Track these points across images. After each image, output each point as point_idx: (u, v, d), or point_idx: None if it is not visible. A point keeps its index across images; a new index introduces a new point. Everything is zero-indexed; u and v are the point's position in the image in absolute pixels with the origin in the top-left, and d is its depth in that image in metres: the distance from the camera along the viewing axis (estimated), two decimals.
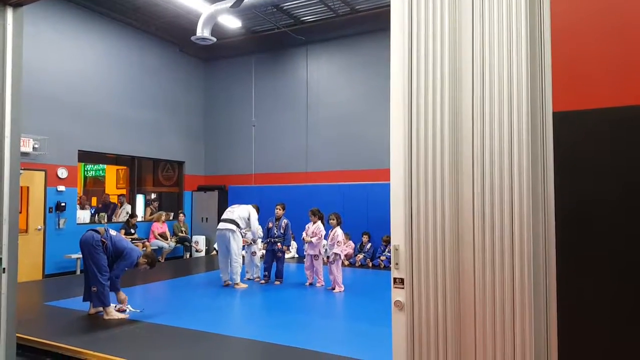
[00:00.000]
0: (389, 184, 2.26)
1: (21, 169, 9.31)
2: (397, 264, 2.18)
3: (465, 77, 2.10)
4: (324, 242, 8.14)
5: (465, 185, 2.07)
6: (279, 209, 8.45)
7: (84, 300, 6.15)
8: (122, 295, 6.17)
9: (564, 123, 1.87)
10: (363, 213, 11.35)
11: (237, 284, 7.97)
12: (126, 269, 6.19)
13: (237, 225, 8.02)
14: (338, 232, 7.87)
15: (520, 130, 1.95)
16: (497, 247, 1.98)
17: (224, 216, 8.25)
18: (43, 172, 9.98)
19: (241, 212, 8.22)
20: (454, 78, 2.11)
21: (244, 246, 8.65)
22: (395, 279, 2.18)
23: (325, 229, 8.13)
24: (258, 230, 8.77)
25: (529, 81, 1.96)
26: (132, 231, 11.33)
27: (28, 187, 9.73)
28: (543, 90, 1.96)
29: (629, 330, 1.77)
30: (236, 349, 4.86)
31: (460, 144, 2.09)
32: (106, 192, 14.39)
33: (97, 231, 6.04)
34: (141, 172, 14.01)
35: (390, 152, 2.23)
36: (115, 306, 6.13)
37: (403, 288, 2.15)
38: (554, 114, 1.91)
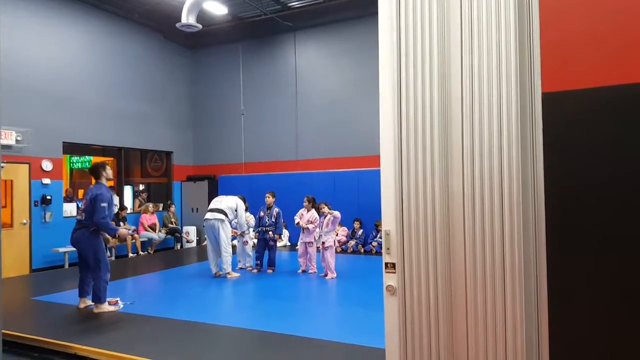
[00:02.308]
0: (379, 171, 2.23)
1: (3, 162, 9.25)
2: (388, 248, 2.16)
3: (454, 59, 2.06)
4: (317, 230, 8.13)
5: (455, 168, 2.04)
6: (269, 197, 8.41)
7: (80, 295, 6.09)
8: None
9: (553, 103, 1.85)
10: (354, 200, 11.36)
11: (229, 273, 7.94)
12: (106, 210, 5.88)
13: (226, 215, 7.97)
14: (331, 217, 7.92)
15: (509, 111, 1.93)
16: (487, 229, 1.97)
17: (211, 206, 8.18)
18: (27, 165, 9.81)
19: (229, 202, 8.17)
20: (443, 60, 2.07)
21: (233, 237, 8.61)
22: (386, 263, 2.15)
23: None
24: (249, 219, 8.73)
25: (518, 62, 1.93)
26: (122, 224, 11.21)
27: (12, 181, 9.57)
28: (532, 70, 1.93)
29: (621, 307, 1.77)
30: (229, 338, 4.84)
31: (449, 126, 2.06)
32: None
33: (84, 225, 5.91)
34: (129, 163, 13.85)
35: (380, 136, 2.19)
36: (106, 300, 6.08)
37: (394, 273, 2.13)
38: (543, 94, 1.88)
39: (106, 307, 5.89)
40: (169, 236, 12.38)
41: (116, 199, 12.22)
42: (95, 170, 6.04)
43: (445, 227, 2.05)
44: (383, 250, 2.19)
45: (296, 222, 8.19)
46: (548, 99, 1.85)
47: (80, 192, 13.63)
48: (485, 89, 1.97)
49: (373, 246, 10.59)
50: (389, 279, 2.13)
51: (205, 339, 4.71)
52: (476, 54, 2.00)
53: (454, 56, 2.06)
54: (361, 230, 11.15)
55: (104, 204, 5.81)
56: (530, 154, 1.91)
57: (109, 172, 6.12)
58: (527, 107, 1.91)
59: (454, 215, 2.04)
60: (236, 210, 8.14)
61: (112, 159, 13.58)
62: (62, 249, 9.84)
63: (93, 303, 5.90)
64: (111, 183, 13.86)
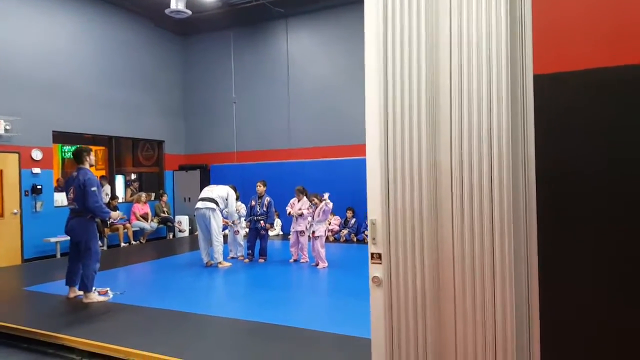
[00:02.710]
0: None
1: None
2: (374, 238, 2.10)
3: (442, 39, 1.98)
4: (309, 218, 8.07)
5: (443, 154, 1.97)
6: (260, 186, 8.34)
7: (67, 284, 6.02)
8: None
9: (545, 86, 1.77)
10: (347, 188, 11.27)
11: (220, 262, 7.89)
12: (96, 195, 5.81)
13: (217, 204, 7.89)
14: (304, 200, 7.90)
15: (499, 93, 1.85)
16: (476, 218, 1.90)
17: (202, 195, 8.10)
18: (16, 154, 9.66)
19: (220, 191, 8.09)
20: (431, 41, 1.98)
21: (225, 226, 8.55)
22: (372, 254, 2.09)
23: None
24: (240, 208, 8.66)
25: (509, 42, 1.85)
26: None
27: (1, 170, 9.43)
28: (523, 51, 1.85)
29: (611, 291, 1.72)
30: (219, 328, 4.79)
31: (437, 109, 1.98)
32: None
33: (79, 213, 5.80)
34: (120, 152, 13.71)
35: (365, 120, 2.12)
36: (95, 289, 6.01)
37: (381, 263, 2.07)
38: (535, 76, 1.81)
39: (95, 297, 5.83)
40: (161, 226, 12.30)
41: (108, 188, 12.12)
42: (79, 155, 5.92)
43: (433, 216, 1.99)
44: (369, 240, 2.12)
45: (287, 212, 8.14)
46: (540, 81, 1.78)
47: None
48: (475, 70, 1.89)
49: (366, 235, 10.54)
50: (375, 270, 2.07)
51: (195, 330, 4.65)
52: (465, 33, 1.91)
53: (442, 36, 1.98)
54: (354, 219, 11.11)
55: (94, 188, 5.72)
56: (521, 138, 1.84)
57: (92, 157, 6.01)
58: (517, 89, 1.83)
59: (442, 204, 1.97)
60: (227, 200, 8.07)
61: (103, 147, 13.44)
62: (53, 239, 9.75)
63: (82, 292, 5.83)
64: (97, 171, 13.76)
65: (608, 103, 1.68)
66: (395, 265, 2.03)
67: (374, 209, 2.08)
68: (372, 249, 2.09)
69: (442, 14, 1.96)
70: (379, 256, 2.07)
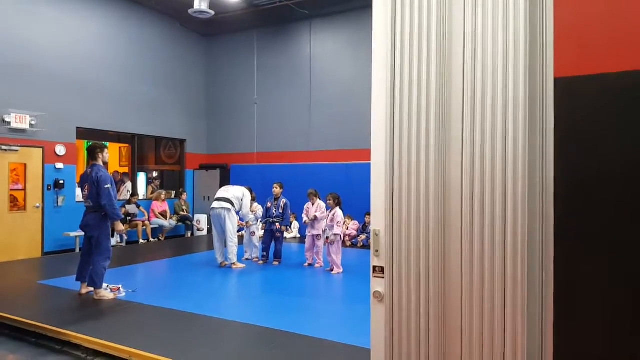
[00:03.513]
0: None
1: (18, 146, 9.28)
2: (377, 250, 1.95)
3: (455, 41, 1.83)
4: (324, 222, 7.94)
5: (453, 162, 1.82)
6: (277, 188, 8.24)
7: (77, 279, 6.04)
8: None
9: (567, 90, 1.60)
10: (366, 193, 11.02)
11: (234, 264, 7.82)
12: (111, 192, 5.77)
13: (232, 204, 7.83)
14: (338, 212, 7.65)
15: (516, 98, 1.69)
16: (487, 231, 1.74)
17: (218, 195, 8.05)
18: (41, 149, 9.83)
19: (236, 192, 8.03)
20: (443, 39, 1.83)
21: (240, 227, 8.49)
22: (374, 267, 1.95)
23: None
24: (257, 210, 8.59)
25: (528, 43, 1.68)
26: (136, 209, 11.20)
27: (25, 164, 9.60)
28: (544, 53, 1.69)
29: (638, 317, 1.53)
30: (227, 333, 4.70)
31: (448, 114, 1.83)
32: (110, 170, 14.25)
33: (95, 210, 5.81)
34: (143, 150, 13.84)
35: (372, 124, 1.98)
36: (107, 287, 6.02)
37: (383, 277, 1.93)
38: (555, 80, 1.64)
39: (106, 294, 5.82)
40: (180, 224, 12.35)
41: (129, 185, 12.24)
42: (93, 152, 5.91)
43: (441, 228, 1.83)
44: (371, 252, 1.98)
45: (304, 220, 8.01)
46: (561, 85, 1.61)
47: None
48: (490, 72, 1.74)
49: None
50: (377, 285, 1.93)
51: (202, 333, 4.57)
52: (480, 31, 1.76)
53: (455, 37, 1.83)
54: None
55: (107, 186, 5.70)
56: (539, 145, 1.67)
57: (106, 155, 5.99)
58: (536, 93, 1.67)
59: (450, 215, 1.82)
60: (242, 200, 8.00)
61: (126, 145, 13.60)
62: (73, 233, 9.87)
63: (92, 289, 5.83)
64: (120, 168, 13.91)
65: (638, 109, 1.51)
66: (398, 280, 1.88)
67: (378, 219, 1.94)
68: (374, 261, 1.95)
69: (456, 9, 1.81)
70: (382, 270, 1.93)
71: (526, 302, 1.67)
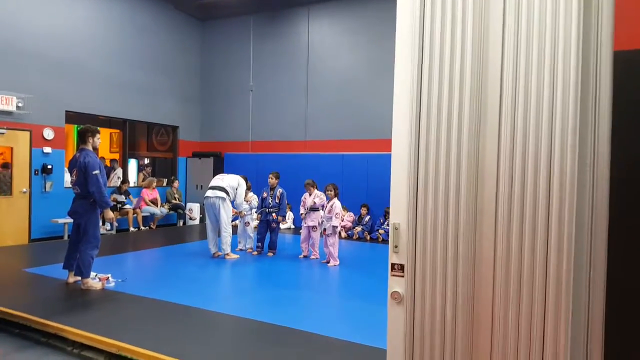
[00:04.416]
0: (390, 155, 1.79)
1: (4, 129, 8.94)
2: (396, 246, 1.74)
3: (493, 11, 1.60)
4: (321, 213, 7.73)
5: (489, 146, 1.60)
6: (272, 178, 8.00)
7: (64, 268, 5.79)
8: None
9: (628, 64, 1.39)
10: (363, 184, 10.92)
11: (227, 254, 7.61)
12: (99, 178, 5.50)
13: (227, 193, 7.59)
14: (336, 203, 7.44)
15: (565, 75, 1.47)
16: (527, 227, 1.53)
17: (212, 183, 7.79)
18: (28, 133, 9.49)
19: (231, 181, 7.78)
20: (480, 14, 1.60)
21: (235, 216, 8.27)
22: (393, 265, 1.73)
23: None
24: (252, 199, 8.36)
25: (582, 11, 1.46)
26: (124, 198, 10.91)
27: (12, 148, 9.27)
28: (599, 23, 1.46)
29: None
30: (219, 327, 4.48)
31: (484, 90, 1.60)
32: (99, 155, 13.89)
33: (83, 196, 5.53)
34: (134, 136, 13.52)
35: (394, 105, 1.75)
36: (95, 276, 5.78)
37: (403, 276, 1.71)
38: (614, 53, 1.43)
39: (94, 284, 5.58)
40: (171, 212, 12.09)
41: (120, 172, 11.93)
42: (83, 134, 5.61)
43: (472, 222, 1.62)
44: (390, 248, 1.76)
45: (301, 213, 7.80)
46: (621, 59, 1.40)
47: None
48: (535, 40, 1.51)
49: (380, 233, 10.18)
50: (396, 284, 1.71)
51: (194, 327, 4.35)
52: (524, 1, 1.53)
53: (493, 7, 1.60)
54: (368, 217, 10.73)
55: (96, 172, 5.43)
56: (591, 127, 1.46)
57: (97, 140, 5.69)
58: (589, 68, 1.45)
59: (483, 207, 1.60)
60: (237, 189, 7.77)
61: (117, 130, 13.27)
62: (61, 220, 9.59)
63: (79, 278, 5.59)
64: (110, 154, 13.58)
65: None
66: (421, 280, 1.67)
67: (398, 211, 1.72)
68: (392, 258, 1.73)
69: None
70: (401, 268, 1.72)
71: (570, 307, 1.47)
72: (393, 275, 1.73)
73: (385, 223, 10.29)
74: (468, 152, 1.59)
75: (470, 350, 1.60)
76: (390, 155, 1.80)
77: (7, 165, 9.19)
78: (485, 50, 1.61)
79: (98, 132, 5.76)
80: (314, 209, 7.69)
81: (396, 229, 1.73)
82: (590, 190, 1.46)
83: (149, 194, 11.56)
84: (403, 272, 1.71)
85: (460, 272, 1.61)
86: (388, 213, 10.27)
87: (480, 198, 1.60)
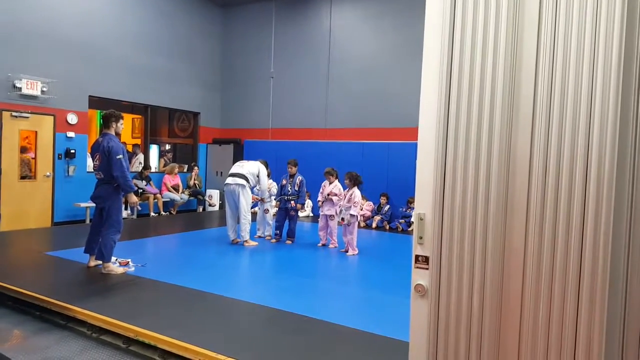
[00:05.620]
0: (412, 144, 1.71)
1: (29, 113, 9.08)
2: (420, 237, 1.66)
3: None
4: (340, 202, 7.66)
5: (520, 137, 1.50)
6: (291, 167, 7.94)
7: (85, 251, 5.86)
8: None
9: None
10: (383, 173, 10.80)
11: (246, 241, 7.62)
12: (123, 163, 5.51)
13: (247, 180, 7.58)
14: (356, 192, 7.36)
15: (607, 57, 1.36)
16: (560, 221, 1.44)
17: (232, 170, 7.79)
18: (52, 117, 9.63)
19: (251, 167, 7.76)
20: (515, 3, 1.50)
21: (254, 203, 8.26)
22: (417, 256, 1.66)
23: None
24: (271, 186, 8.34)
25: (626, 3, 1.34)
26: (144, 183, 11.03)
27: (36, 132, 9.43)
28: None
29: None
30: (236, 313, 4.48)
31: (517, 79, 1.51)
32: (121, 140, 14.03)
33: (107, 181, 5.57)
34: (156, 122, 13.61)
35: (421, 89, 1.66)
36: (116, 260, 5.84)
37: (427, 269, 1.64)
38: None
39: (115, 268, 5.64)
40: (192, 198, 12.18)
41: (141, 157, 12.06)
42: (107, 119, 5.64)
43: (502, 213, 1.53)
44: (414, 239, 1.69)
45: (319, 201, 7.74)
46: None
47: None
48: (574, 22, 1.40)
49: (400, 223, 10.08)
50: (419, 277, 1.64)
51: (211, 313, 4.36)
52: None
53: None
54: (388, 206, 10.62)
55: (120, 156, 5.45)
56: (632, 119, 1.35)
57: (120, 125, 5.71)
58: (633, 52, 1.34)
59: (514, 198, 1.51)
60: (258, 176, 7.75)
61: (139, 116, 13.37)
62: (83, 204, 9.75)
63: (100, 262, 5.65)
64: (132, 139, 13.70)
65: None
66: (447, 273, 1.59)
67: (423, 201, 1.64)
68: (417, 250, 1.66)
69: None
70: (426, 260, 1.64)
71: (605, 307, 1.38)
72: (417, 267, 1.66)
73: (407, 212, 10.18)
74: (500, 140, 1.50)
75: (497, 345, 1.52)
76: (412, 144, 1.72)
77: (25, 150, 9.33)
78: (520, 37, 1.51)
79: (122, 117, 5.79)
80: (334, 193, 7.62)
81: (421, 219, 1.66)
82: (629, 188, 1.36)
83: (171, 179, 11.66)
84: (428, 264, 1.64)
85: (489, 266, 1.53)
86: (410, 203, 10.18)
87: (511, 189, 1.51)
